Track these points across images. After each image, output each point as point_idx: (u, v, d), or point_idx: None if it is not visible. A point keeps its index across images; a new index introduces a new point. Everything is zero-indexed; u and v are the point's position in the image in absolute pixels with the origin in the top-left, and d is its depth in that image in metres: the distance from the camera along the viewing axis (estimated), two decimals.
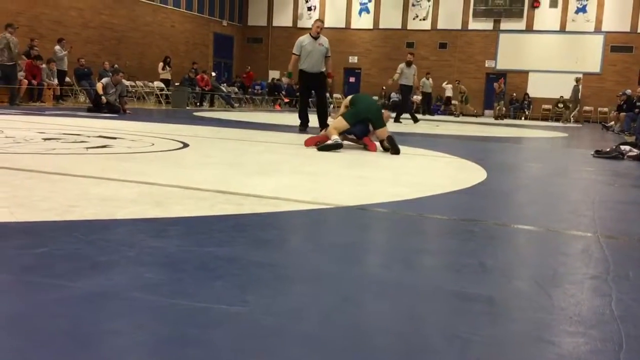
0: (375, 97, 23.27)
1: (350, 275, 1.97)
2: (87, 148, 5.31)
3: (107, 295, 1.64)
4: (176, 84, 19.40)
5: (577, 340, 1.50)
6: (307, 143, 6.53)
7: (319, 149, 6.12)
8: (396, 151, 6.15)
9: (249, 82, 24.24)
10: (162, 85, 19.83)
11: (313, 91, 9.48)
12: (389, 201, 3.34)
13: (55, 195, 2.97)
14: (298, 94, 10.02)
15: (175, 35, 25.72)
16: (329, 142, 6.16)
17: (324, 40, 9.18)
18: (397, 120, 14.39)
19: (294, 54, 9.15)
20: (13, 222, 2.40)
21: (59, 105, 14.08)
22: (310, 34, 9.18)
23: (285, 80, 9.58)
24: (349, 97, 6.88)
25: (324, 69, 9.21)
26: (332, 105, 24.46)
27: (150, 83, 20.43)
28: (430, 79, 21.76)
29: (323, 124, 8.82)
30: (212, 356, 1.30)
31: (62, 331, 1.39)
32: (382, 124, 6.46)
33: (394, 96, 27.27)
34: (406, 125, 13.22)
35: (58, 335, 1.37)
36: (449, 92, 26.62)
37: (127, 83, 16.87)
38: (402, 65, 14.55)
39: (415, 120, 14.53)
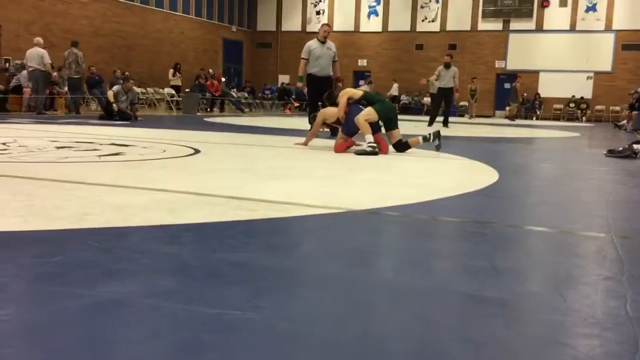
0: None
1: (363, 279, 1.97)
2: (100, 156, 5.35)
3: (122, 302, 1.65)
4: (186, 90, 19.49)
5: (592, 343, 1.49)
6: (337, 149, 6.38)
7: (356, 153, 6.11)
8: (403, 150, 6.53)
9: (212, 89, 20.69)
10: (172, 91, 19.95)
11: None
12: (400, 204, 3.34)
13: (69, 204, 3.00)
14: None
15: (185, 42, 25.86)
16: (367, 147, 6.11)
17: (331, 44, 9.23)
18: (445, 125, 14.12)
19: (302, 58, 9.17)
20: (28, 231, 2.43)
21: (71, 114, 14.19)
22: (317, 38, 9.21)
23: (300, 85, 9.57)
24: (360, 92, 6.67)
25: (332, 73, 9.26)
26: None
27: (160, 90, 20.55)
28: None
29: (332, 128, 8.82)
30: None
31: (78, 339, 1.40)
32: (397, 124, 6.59)
33: (404, 99, 27.24)
34: (416, 127, 13.19)
35: (74, 344, 1.38)
36: (394, 91, 27.21)
37: (138, 90, 16.98)
38: (440, 67, 14.30)
39: (431, 123, 14.39)
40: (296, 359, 1.34)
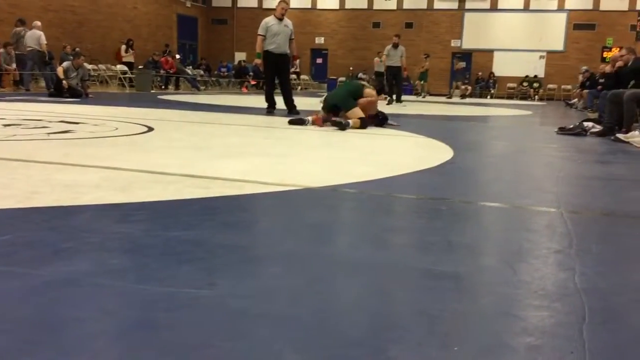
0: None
1: (318, 255, 1.97)
2: (49, 133, 5.19)
3: (71, 282, 1.61)
4: (140, 67, 19.06)
5: (541, 314, 1.53)
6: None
7: (289, 122, 6.92)
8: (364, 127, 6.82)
9: (167, 66, 19.99)
10: (125, 68, 19.47)
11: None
12: (356, 181, 3.35)
13: (16, 182, 2.90)
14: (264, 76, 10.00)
15: (138, 17, 25.23)
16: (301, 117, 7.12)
17: (288, 22, 9.12)
18: (398, 100, 14.98)
19: (259, 35, 9.04)
20: None
21: (18, 91, 13.73)
22: (275, 15, 9.08)
23: (257, 61, 9.50)
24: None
25: (288, 51, 9.17)
26: (299, 87, 24.34)
27: (112, 66, 20.04)
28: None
29: (289, 106, 8.79)
30: (180, 340, 1.29)
31: (27, 319, 1.36)
32: (348, 105, 6.91)
33: (362, 76, 27.23)
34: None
35: (22, 323, 1.34)
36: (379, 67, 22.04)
37: (89, 66, 16.52)
38: (389, 47, 15.05)
39: (390, 102, 14.69)
40: (252, 336, 1.33)
